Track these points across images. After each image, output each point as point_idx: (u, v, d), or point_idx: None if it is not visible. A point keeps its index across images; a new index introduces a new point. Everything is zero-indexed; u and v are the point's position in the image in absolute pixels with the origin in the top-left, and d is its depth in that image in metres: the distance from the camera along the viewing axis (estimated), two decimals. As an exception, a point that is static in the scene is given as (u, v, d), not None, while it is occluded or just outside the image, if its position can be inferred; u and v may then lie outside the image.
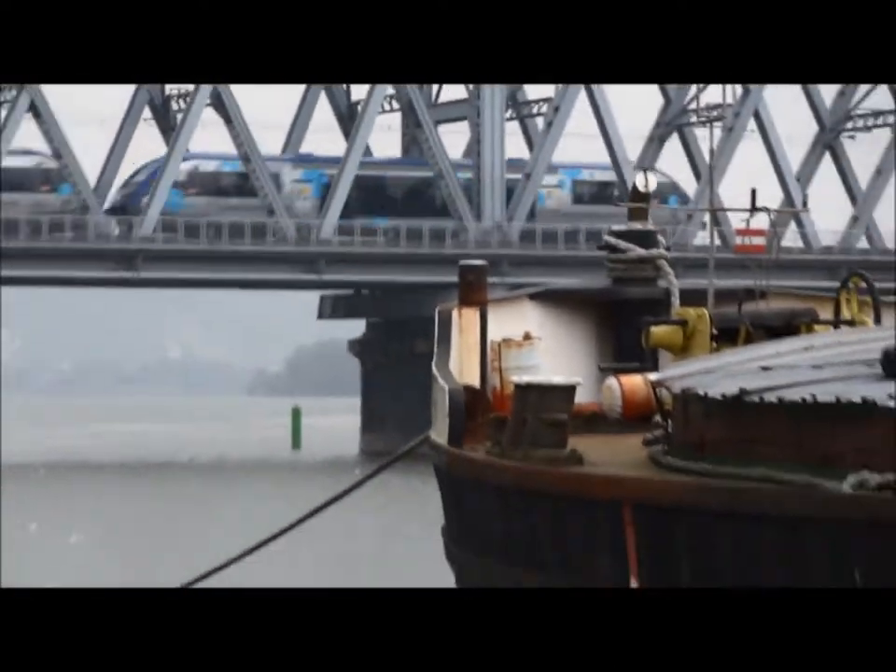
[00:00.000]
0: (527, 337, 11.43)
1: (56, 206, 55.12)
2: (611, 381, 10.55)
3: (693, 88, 47.08)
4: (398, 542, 13.77)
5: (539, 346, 11.40)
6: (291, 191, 54.55)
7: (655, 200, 12.58)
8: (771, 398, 7.49)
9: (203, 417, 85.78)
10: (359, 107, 57.21)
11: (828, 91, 59.79)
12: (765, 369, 8.48)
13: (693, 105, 54.87)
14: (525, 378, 9.80)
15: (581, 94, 55.90)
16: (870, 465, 6.43)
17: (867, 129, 58.84)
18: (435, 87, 59.09)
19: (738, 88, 47.95)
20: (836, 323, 11.30)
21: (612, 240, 11.89)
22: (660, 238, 12.27)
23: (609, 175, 57.31)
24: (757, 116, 55.89)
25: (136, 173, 58.30)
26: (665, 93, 59.11)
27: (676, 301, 11.25)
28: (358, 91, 56.81)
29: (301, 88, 59.26)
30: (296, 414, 56.31)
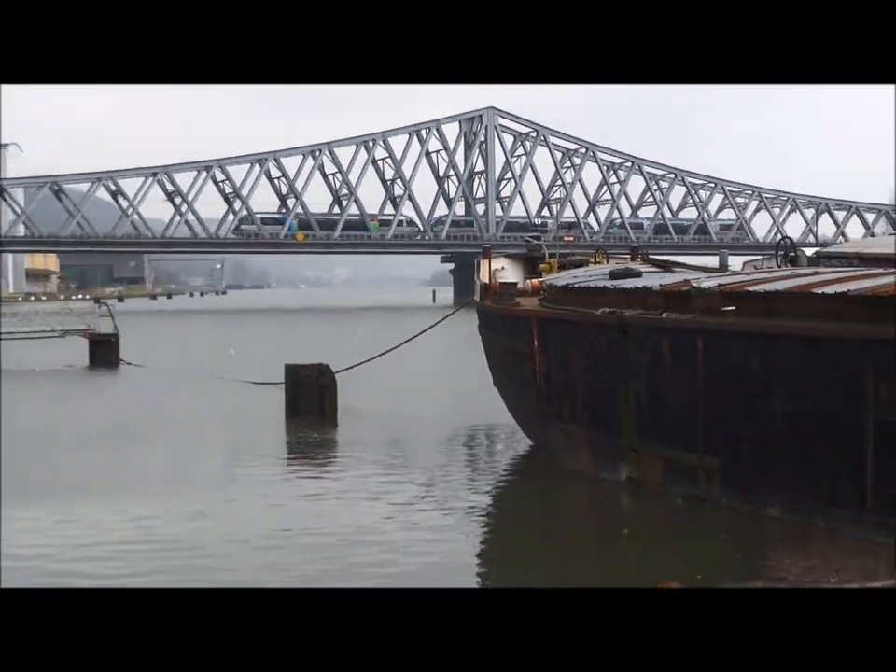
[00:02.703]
0: (503, 268, 20.70)
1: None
2: (527, 281, 19.23)
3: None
4: (466, 329, 23.50)
5: (506, 271, 20.53)
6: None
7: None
8: (575, 284, 15.32)
9: (405, 293, 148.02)
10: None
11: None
12: (575, 277, 16.43)
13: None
14: (501, 280, 18.91)
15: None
16: (605, 306, 13.01)
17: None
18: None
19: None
20: (595, 263, 20.41)
21: (529, 240, 25.15)
22: (542, 240, 24.32)
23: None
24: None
25: None
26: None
27: (547, 257, 20.64)
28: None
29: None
30: (434, 293, 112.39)
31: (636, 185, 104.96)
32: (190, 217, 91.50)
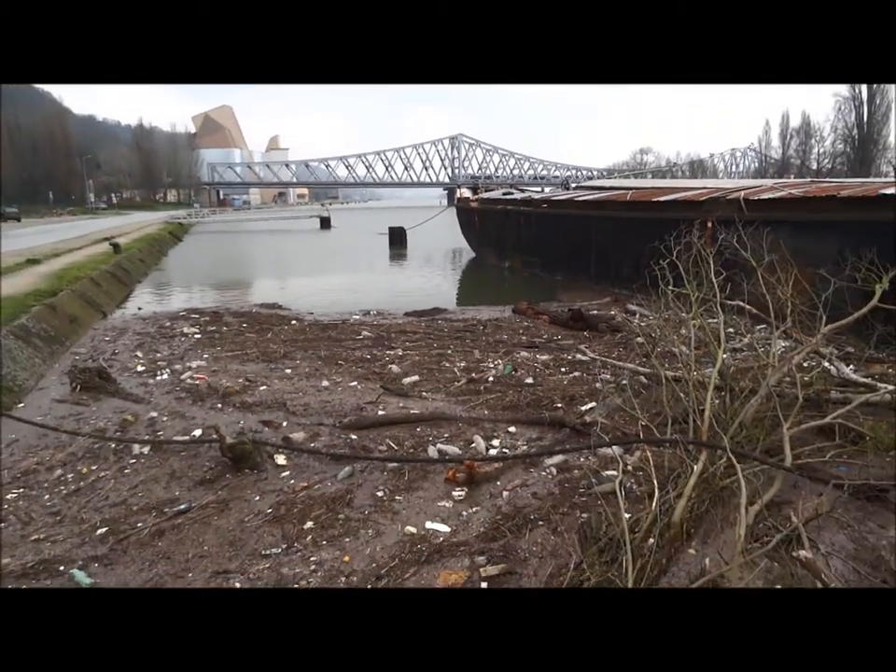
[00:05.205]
0: (464, 192, 30.05)
1: None
2: (473, 197, 28.61)
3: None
4: (452, 216, 31.69)
5: (466, 193, 29.86)
6: None
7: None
8: (490, 197, 26.08)
9: (429, 202, 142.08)
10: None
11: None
12: (490, 195, 26.82)
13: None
14: (464, 196, 28.82)
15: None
16: (500, 205, 23.60)
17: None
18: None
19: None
20: (497, 190, 30.00)
21: (475, 183, 36.17)
22: (479, 189, 31.14)
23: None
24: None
25: None
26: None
27: (480, 188, 30.29)
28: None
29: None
30: (440, 202, 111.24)
31: (510, 162, 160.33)
32: (354, 173, 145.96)
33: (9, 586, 3.69)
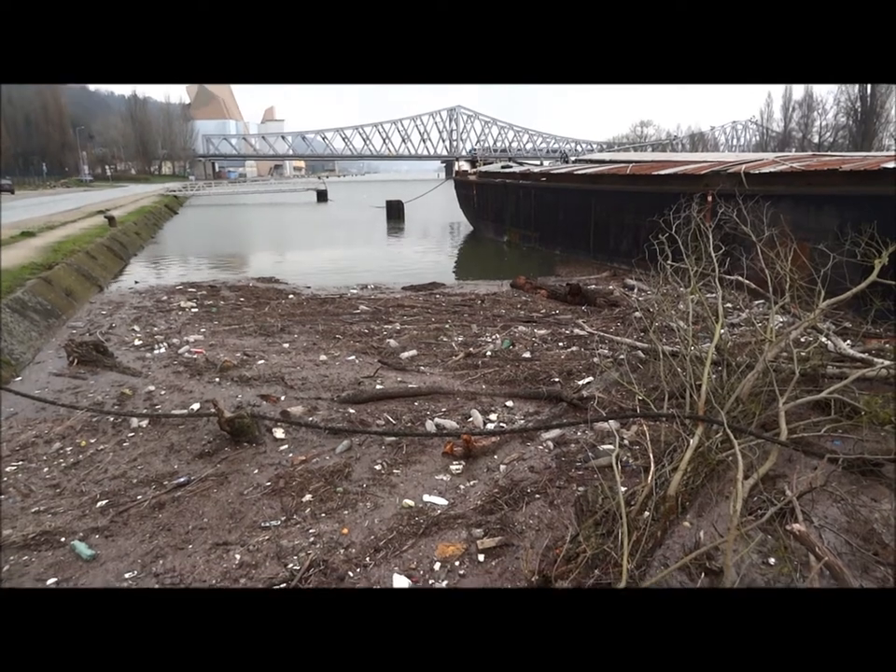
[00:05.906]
0: (462, 165, 30.77)
1: None
2: (472, 170, 28.62)
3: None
4: (450, 189, 31.41)
5: (465, 166, 30.34)
6: None
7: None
8: (489, 171, 25.88)
9: (427, 175, 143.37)
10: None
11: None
12: (488, 169, 26.53)
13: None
14: (462, 169, 28.72)
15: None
16: (499, 178, 23.28)
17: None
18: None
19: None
20: (495, 163, 30.59)
21: (471, 160, 34.53)
22: (478, 163, 31.49)
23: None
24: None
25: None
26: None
27: (478, 161, 30.79)
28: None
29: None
30: (438, 175, 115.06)
31: (509, 134, 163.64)
32: (351, 145, 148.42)
33: (7, 569, 3.72)
